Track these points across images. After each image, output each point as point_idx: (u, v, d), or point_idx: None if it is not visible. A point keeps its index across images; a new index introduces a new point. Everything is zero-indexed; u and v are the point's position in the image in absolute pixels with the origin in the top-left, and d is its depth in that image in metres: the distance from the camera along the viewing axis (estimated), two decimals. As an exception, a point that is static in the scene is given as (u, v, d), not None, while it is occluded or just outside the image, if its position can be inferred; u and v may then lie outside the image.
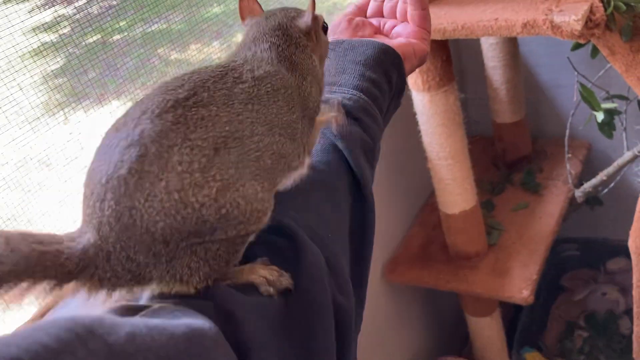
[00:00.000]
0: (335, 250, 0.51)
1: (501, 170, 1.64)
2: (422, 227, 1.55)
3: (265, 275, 0.45)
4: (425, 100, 1.20)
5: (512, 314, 1.74)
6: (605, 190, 1.49)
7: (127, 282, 0.41)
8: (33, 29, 0.89)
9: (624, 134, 1.36)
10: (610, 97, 1.33)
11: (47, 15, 0.91)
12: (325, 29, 0.57)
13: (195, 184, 0.40)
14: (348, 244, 0.55)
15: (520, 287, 1.30)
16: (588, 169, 1.61)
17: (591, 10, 0.90)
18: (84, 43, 0.95)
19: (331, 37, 0.67)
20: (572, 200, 1.52)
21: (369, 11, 0.72)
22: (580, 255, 1.86)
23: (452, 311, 1.68)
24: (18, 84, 0.86)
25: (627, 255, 1.15)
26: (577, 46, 1.25)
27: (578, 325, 1.73)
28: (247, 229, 0.43)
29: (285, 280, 0.46)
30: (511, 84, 1.52)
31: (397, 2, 0.69)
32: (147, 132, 0.40)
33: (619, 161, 1.38)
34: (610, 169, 1.40)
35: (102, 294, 0.41)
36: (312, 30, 0.53)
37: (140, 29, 1.05)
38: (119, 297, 0.42)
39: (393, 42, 0.64)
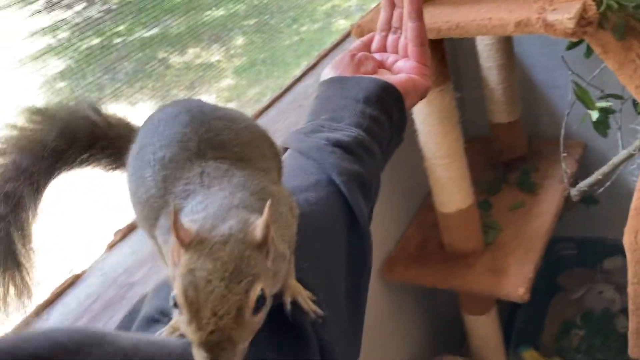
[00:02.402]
0: (315, 287, 0.50)
1: (497, 170, 1.65)
2: (420, 226, 1.56)
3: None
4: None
5: (509, 313, 1.75)
6: (601, 189, 1.50)
7: None
8: (32, 34, 0.90)
9: (618, 133, 1.37)
10: (605, 96, 1.34)
11: (47, 20, 0.92)
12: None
13: None
14: (343, 288, 0.54)
15: (517, 285, 1.30)
16: (584, 169, 1.62)
17: (584, 9, 0.91)
18: (83, 47, 0.96)
19: (334, 72, 0.67)
20: (567, 199, 1.53)
21: (373, 46, 0.72)
22: (577, 254, 1.87)
23: (450, 310, 1.68)
24: (18, 88, 0.87)
25: (624, 254, 1.16)
26: (571, 46, 1.26)
27: (575, 324, 1.74)
28: None
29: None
30: (507, 84, 1.53)
31: (398, 37, 0.70)
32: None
33: (614, 160, 1.39)
34: (605, 168, 1.41)
35: None
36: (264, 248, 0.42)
37: (139, 33, 1.06)
38: None
39: (394, 79, 0.65)
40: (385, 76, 0.66)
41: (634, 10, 0.97)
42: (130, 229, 0.97)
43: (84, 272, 0.87)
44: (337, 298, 0.53)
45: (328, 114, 0.61)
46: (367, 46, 0.72)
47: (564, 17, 0.90)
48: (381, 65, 0.70)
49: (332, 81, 0.65)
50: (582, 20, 0.91)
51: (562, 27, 0.90)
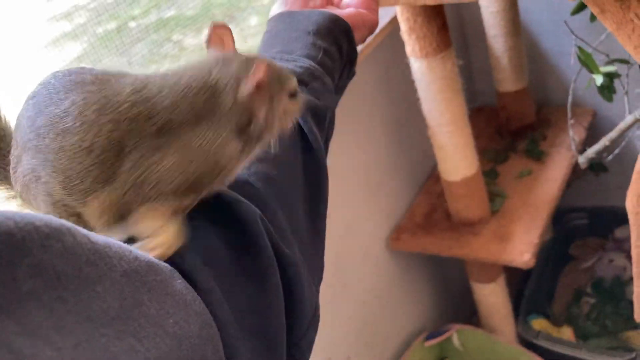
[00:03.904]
0: (270, 204, 0.52)
1: (505, 139, 1.65)
2: (427, 196, 1.57)
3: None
4: (423, 67, 1.21)
5: (520, 283, 1.76)
6: (610, 156, 1.49)
7: None
8: (50, 19, 0.92)
9: (625, 98, 1.36)
10: (611, 61, 1.33)
11: (64, 5, 0.94)
12: (293, 93, 0.50)
13: None
14: (302, 211, 0.57)
15: (522, 251, 1.31)
16: (593, 136, 1.61)
17: (580, -32, 0.90)
18: (99, 31, 0.98)
19: (283, 9, 0.69)
20: (576, 166, 1.53)
21: None
22: (588, 224, 1.87)
23: (460, 280, 1.70)
24: (39, 73, 0.89)
25: (633, 221, 1.16)
26: (576, 10, 1.25)
27: (585, 292, 1.75)
28: None
29: None
30: (513, 52, 1.53)
31: None
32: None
33: (621, 125, 1.38)
34: (612, 134, 1.40)
35: None
36: (255, 100, 0.46)
37: (155, 16, 1.08)
38: None
39: (343, 12, 0.67)
40: (334, 10, 0.68)
41: (632, -31, 0.96)
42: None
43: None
44: (295, 220, 0.55)
45: (279, 47, 0.63)
46: None
47: (560, -24, 0.89)
48: (330, 2, 0.72)
49: (281, 16, 0.67)
50: (578, -21, 0.90)
51: (558, -13, 0.90)
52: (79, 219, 0.45)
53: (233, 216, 0.49)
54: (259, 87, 0.46)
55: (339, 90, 0.68)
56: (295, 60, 0.61)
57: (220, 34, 0.50)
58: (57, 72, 0.46)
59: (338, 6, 0.71)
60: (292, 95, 0.50)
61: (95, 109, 0.43)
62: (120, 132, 0.43)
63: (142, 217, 0.45)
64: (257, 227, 0.49)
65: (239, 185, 0.51)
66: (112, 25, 1.01)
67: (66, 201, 0.44)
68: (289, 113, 0.51)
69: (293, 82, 0.50)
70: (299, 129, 0.58)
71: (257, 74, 0.45)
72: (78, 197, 0.44)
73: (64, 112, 0.43)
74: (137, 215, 0.45)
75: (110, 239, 0.38)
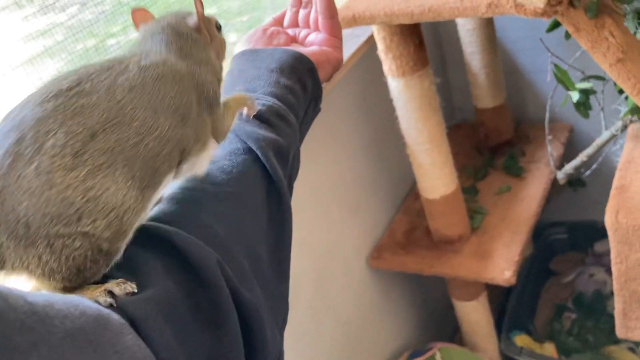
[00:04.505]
0: (232, 248, 0.51)
1: (484, 155, 1.65)
2: (407, 214, 1.57)
3: (106, 287, 0.44)
4: (400, 86, 1.21)
5: (502, 299, 1.75)
6: (588, 171, 1.50)
7: None
8: (27, 36, 0.91)
9: (601, 114, 1.37)
10: (586, 78, 1.34)
11: (41, 23, 0.92)
12: (218, 28, 0.60)
13: (65, 166, 0.41)
14: (265, 252, 0.56)
15: (503, 269, 1.31)
16: (571, 152, 1.62)
17: (554, -12, 0.91)
18: (78, 48, 0.97)
19: (247, 47, 0.69)
20: (554, 182, 1.54)
21: (286, 21, 0.74)
22: (568, 238, 1.88)
23: (442, 298, 1.69)
24: (15, 91, 0.88)
25: (613, 236, 1.16)
26: (551, 27, 1.26)
27: (567, 307, 1.75)
28: (105, 228, 0.43)
29: (128, 287, 0.44)
30: (490, 69, 1.53)
31: (310, 11, 0.72)
32: (27, 119, 0.42)
33: (598, 141, 1.39)
34: (589, 150, 1.41)
35: None
36: (203, 28, 0.57)
37: (134, 33, 1.07)
38: None
39: (307, 50, 0.67)
40: (298, 48, 0.67)
41: (606, -12, 0.97)
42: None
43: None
44: (259, 262, 0.53)
45: (242, 85, 0.63)
46: (279, 22, 0.74)
47: (534, -4, 0.89)
48: (294, 39, 0.71)
49: (244, 54, 0.67)
50: (552, -1, 0.90)
51: (532, 7, 0.90)
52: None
53: (190, 262, 0.47)
54: (199, 17, 0.56)
55: (304, 127, 0.67)
56: (258, 98, 0.60)
57: (142, 16, 0.59)
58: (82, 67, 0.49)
59: (302, 44, 0.71)
60: (219, 28, 0.60)
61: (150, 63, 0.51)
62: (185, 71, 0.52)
63: (228, 117, 0.56)
64: (215, 272, 0.47)
65: (200, 229, 0.50)
66: (90, 42, 1.00)
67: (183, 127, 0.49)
68: (222, 45, 0.60)
69: (215, 18, 0.60)
70: (262, 167, 0.57)
71: (197, 6, 0.56)
72: (193, 125, 0.50)
73: (141, 75, 0.48)
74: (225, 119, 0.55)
75: (54, 296, 0.35)
